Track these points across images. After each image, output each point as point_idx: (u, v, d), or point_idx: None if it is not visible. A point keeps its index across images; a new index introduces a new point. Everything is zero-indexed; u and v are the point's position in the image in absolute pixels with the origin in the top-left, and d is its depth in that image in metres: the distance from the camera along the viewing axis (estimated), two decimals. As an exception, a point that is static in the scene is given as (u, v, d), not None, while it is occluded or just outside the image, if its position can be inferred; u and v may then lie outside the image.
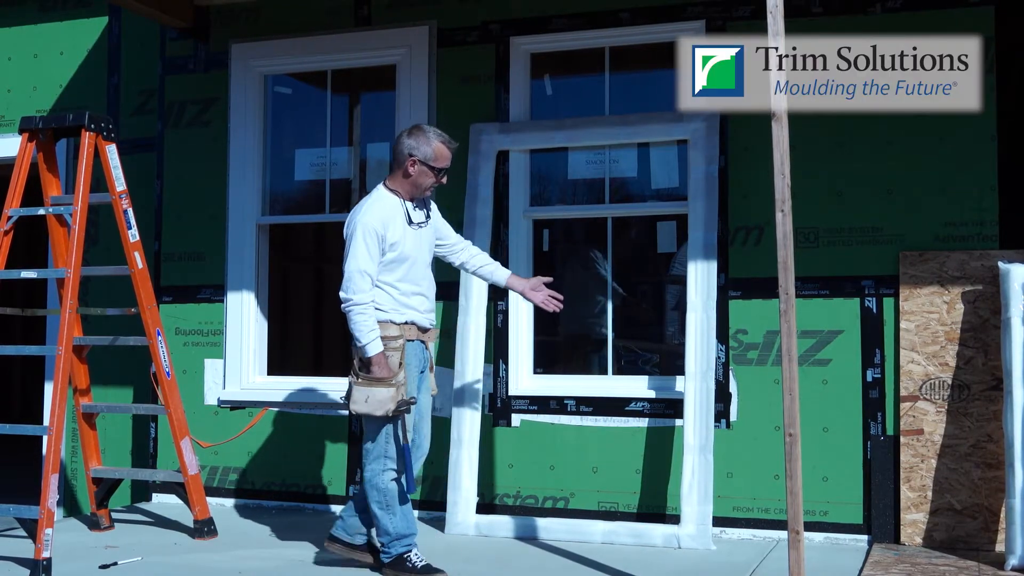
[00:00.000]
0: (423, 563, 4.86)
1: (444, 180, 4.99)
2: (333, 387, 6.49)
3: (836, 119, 5.47)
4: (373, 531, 5.04)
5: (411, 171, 4.88)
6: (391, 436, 4.82)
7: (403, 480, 4.86)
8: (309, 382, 6.69)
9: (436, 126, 6.33)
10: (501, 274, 5.26)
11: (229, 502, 6.73)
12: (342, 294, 4.76)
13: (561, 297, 5.16)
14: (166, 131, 7.05)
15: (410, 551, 4.87)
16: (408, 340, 4.87)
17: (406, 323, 4.87)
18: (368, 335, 4.72)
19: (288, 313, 7.57)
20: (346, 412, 6.46)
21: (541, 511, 6.05)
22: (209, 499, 6.06)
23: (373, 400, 4.71)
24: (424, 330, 4.97)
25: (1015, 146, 6.33)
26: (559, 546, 5.52)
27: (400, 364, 4.79)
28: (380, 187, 4.95)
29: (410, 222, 4.90)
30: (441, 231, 5.18)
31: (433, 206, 5.13)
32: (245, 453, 6.72)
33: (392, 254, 4.82)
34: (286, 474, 6.63)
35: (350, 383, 4.81)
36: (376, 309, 4.78)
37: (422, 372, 4.98)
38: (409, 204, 4.93)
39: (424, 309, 4.97)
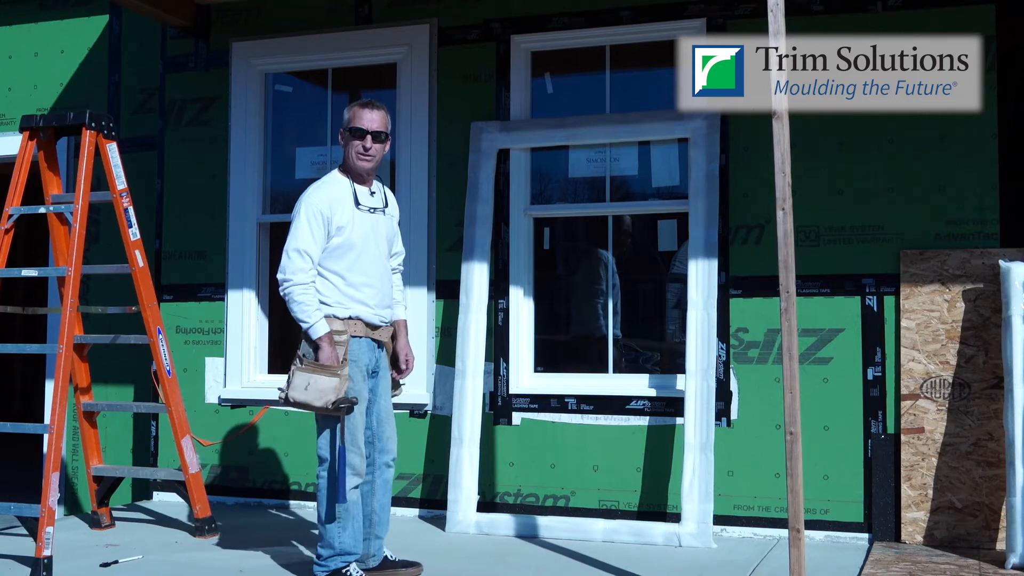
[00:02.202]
0: (370, 569, 4.68)
1: (372, 145, 4.63)
2: (334, 385, 6.48)
3: (837, 118, 5.47)
4: (381, 543, 4.84)
5: (342, 143, 4.69)
6: (346, 438, 4.48)
7: (378, 487, 4.67)
8: (310, 380, 6.68)
9: (437, 124, 6.39)
10: (394, 315, 4.87)
11: (230, 500, 6.73)
12: (279, 276, 4.52)
13: (400, 378, 4.89)
14: (167, 129, 7.05)
15: (348, 567, 4.55)
16: (354, 336, 4.56)
17: (351, 318, 4.56)
18: (313, 315, 4.45)
19: (288, 312, 7.55)
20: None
21: (542, 509, 6.05)
22: (210, 497, 6.06)
23: (313, 388, 4.37)
24: (373, 327, 4.64)
25: (1016, 145, 6.33)
26: (560, 544, 5.52)
27: (343, 359, 4.49)
28: (333, 170, 4.75)
29: (357, 203, 4.62)
30: (391, 239, 4.86)
31: (394, 205, 4.91)
32: (246, 451, 6.72)
33: (338, 239, 4.55)
34: (287, 472, 6.63)
35: (292, 369, 4.46)
36: (319, 302, 4.52)
37: (375, 373, 4.69)
38: (361, 188, 4.68)
39: (374, 304, 4.63)
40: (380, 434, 4.74)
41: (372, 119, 4.66)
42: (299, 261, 4.51)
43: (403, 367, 4.87)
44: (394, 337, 4.86)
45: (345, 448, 4.45)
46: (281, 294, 4.55)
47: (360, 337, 4.60)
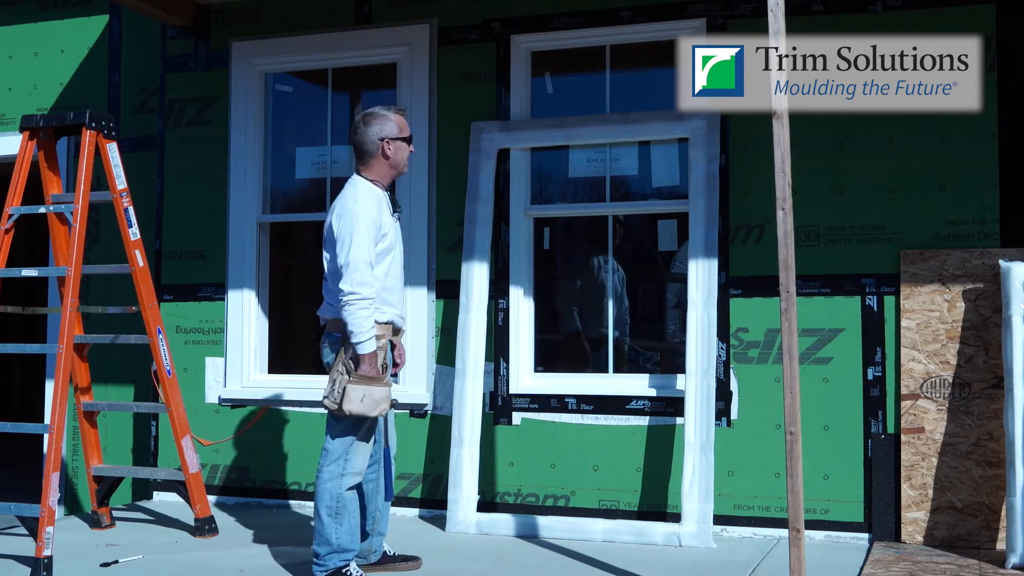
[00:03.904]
0: (369, 565, 4.72)
1: (413, 148, 4.91)
2: (334, 385, 6.48)
3: (837, 118, 5.47)
4: (382, 540, 4.89)
5: (389, 151, 4.67)
6: (357, 440, 4.58)
7: (382, 484, 4.72)
8: (310, 380, 6.68)
9: (437, 124, 6.39)
10: None
11: (230, 500, 6.73)
12: (345, 286, 4.45)
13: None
14: (167, 129, 7.05)
15: (348, 565, 4.59)
16: (388, 340, 4.68)
17: (386, 323, 4.66)
18: (369, 332, 4.47)
19: (289, 311, 7.57)
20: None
21: (542, 509, 6.05)
22: (210, 497, 6.07)
23: (369, 399, 4.46)
24: (397, 331, 4.79)
25: (1016, 144, 6.33)
26: (560, 544, 5.52)
27: (384, 365, 4.61)
28: (359, 179, 4.69)
29: (393, 211, 4.73)
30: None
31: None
32: (246, 451, 6.72)
33: (382, 244, 4.61)
34: (287, 473, 6.63)
35: (341, 382, 4.50)
36: None
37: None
38: (387, 194, 4.75)
39: (400, 307, 4.78)
40: (383, 432, 4.78)
41: (407, 124, 4.81)
42: (366, 273, 4.49)
43: (398, 360, 4.89)
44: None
45: (389, 448, 4.67)
46: (342, 301, 4.48)
47: (388, 340, 4.70)
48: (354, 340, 4.47)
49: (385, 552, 4.92)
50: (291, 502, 6.61)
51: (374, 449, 4.76)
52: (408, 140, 4.77)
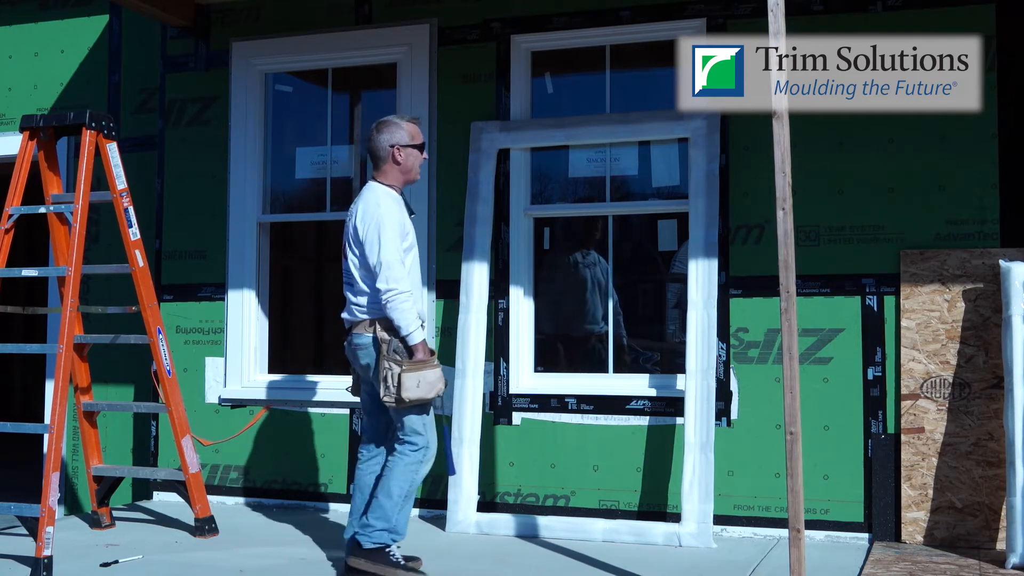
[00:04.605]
0: (404, 558, 4.81)
1: (426, 156, 5.11)
2: (334, 385, 6.49)
3: (837, 118, 5.46)
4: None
5: (400, 158, 4.89)
6: (428, 426, 4.84)
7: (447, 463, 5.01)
8: (310, 380, 6.69)
9: (437, 124, 6.38)
10: None
11: (230, 500, 6.73)
12: (382, 284, 4.69)
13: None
14: (167, 129, 7.05)
15: (391, 546, 4.77)
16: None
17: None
18: (415, 321, 4.72)
19: (289, 311, 7.57)
20: (346, 411, 6.48)
21: (542, 509, 6.05)
22: (210, 497, 6.06)
23: (424, 383, 4.70)
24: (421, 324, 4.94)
25: (1016, 144, 6.32)
26: (560, 544, 5.52)
27: (432, 351, 4.85)
28: (376, 184, 4.91)
29: (410, 212, 4.98)
30: None
31: None
32: (246, 451, 6.72)
33: (406, 243, 4.85)
34: (287, 472, 6.63)
35: (395, 374, 4.69)
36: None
37: None
38: (403, 197, 4.99)
39: (421, 303, 4.99)
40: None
41: (420, 132, 5.03)
42: (399, 269, 4.73)
43: None
44: None
45: (449, 428, 4.87)
46: (383, 300, 4.71)
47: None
48: (403, 333, 4.71)
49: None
50: (291, 502, 6.61)
51: (383, 441, 4.97)
52: (420, 147, 4.97)
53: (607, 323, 6.32)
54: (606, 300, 6.41)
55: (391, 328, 4.74)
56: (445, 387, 4.83)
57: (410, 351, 4.73)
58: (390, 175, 4.92)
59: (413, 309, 4.74)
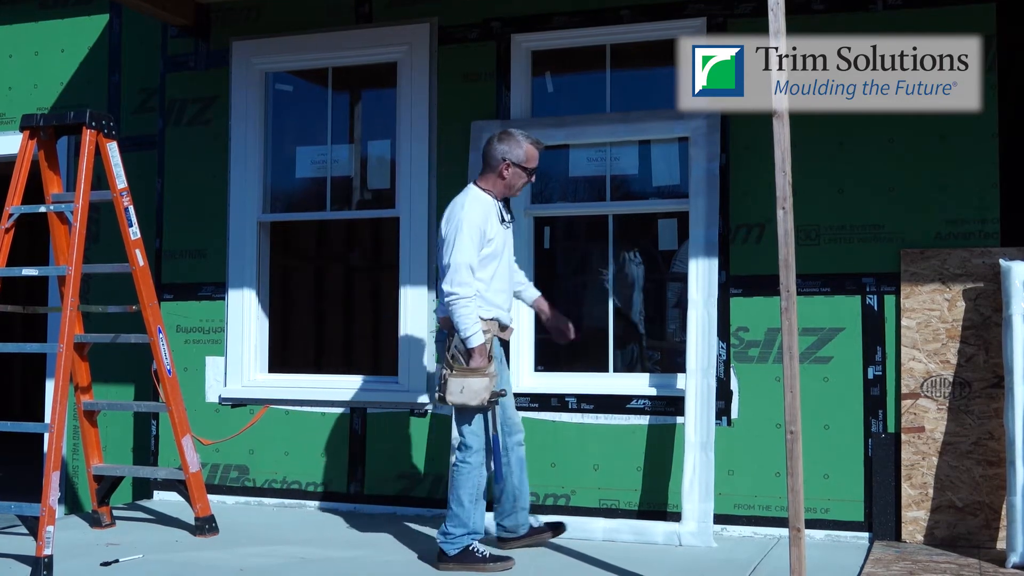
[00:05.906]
0: (491, 552, 4.99)
1: (534, 179, 5.19)
2: (334, 385, 6.50)
3: (837, 117, 5.46)
4: (526, 514, 5.27)
5: (506, 174, 5.03)
6: (475, 432, 4.93)
7: (493, 471, 5.03)
8: (310, 380, 6.70)
9: (437, 123, 6.38)
10: (529, 294, 5.47)
11: (230, 499, 6.73)
12: (446, 287, 4.84)
13: (573, 336, 5.42)
14: (167, 129, 7.05)
15: (474, 544, 4.96)
16: (493, 335, 5.00)
17: (491, 319, 4.98)
18: (474, 326, 4.82)
19: (289, 311, 7.57)
20: (346, 410, 6.48)
21: (542, 508, 6.04)
22: (210, 496, 6.06)
23: (468, 390, 4.81)
24: (504, 328, 5.11)
25: (1016, 144, 6.33)
26: (560, 543, 5.52)
27: (490, 357, 4.91)
28: (473, 187, 5.06)
29: (502, 220, 5.05)
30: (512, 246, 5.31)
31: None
32: (246, 451, 6.72)
33: (487, 249, 4.94)
34: (287, 472, 6.63)
35: (443, 375, 4.89)
36: None
37: (503, 365, 5.17)
38: (500, 203, 5.08)
39: (507, 307, 5.11)
40: (507, 419, 5.14)
41: (538, 158, 5.14)
42: (466, 274, 4.85)
43: (568, 325, 5.44)
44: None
45: (498, 436, 4.96)
46: (445, 302, 4.87)
47: (495, 336, 5.02)
48: (462, 336, 4.85)
49: (531, 525, 5.35)
50: (291, 501, 6.61)
51: (503, 433, 5.10)
52: (529, 172, 5.09)
53: (608, 322, 6.30)
54: (607, 299, 6.40)
55: (454, 329, 4.89)
56: (493, 398, 4.87)
57: (468, 354, 4.84)
58: (491, 183, 5.05)
59: (473, 314, 4.82)
